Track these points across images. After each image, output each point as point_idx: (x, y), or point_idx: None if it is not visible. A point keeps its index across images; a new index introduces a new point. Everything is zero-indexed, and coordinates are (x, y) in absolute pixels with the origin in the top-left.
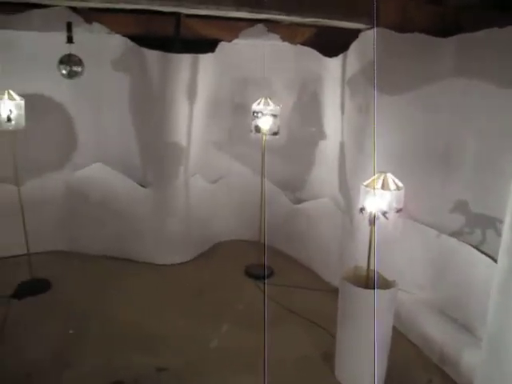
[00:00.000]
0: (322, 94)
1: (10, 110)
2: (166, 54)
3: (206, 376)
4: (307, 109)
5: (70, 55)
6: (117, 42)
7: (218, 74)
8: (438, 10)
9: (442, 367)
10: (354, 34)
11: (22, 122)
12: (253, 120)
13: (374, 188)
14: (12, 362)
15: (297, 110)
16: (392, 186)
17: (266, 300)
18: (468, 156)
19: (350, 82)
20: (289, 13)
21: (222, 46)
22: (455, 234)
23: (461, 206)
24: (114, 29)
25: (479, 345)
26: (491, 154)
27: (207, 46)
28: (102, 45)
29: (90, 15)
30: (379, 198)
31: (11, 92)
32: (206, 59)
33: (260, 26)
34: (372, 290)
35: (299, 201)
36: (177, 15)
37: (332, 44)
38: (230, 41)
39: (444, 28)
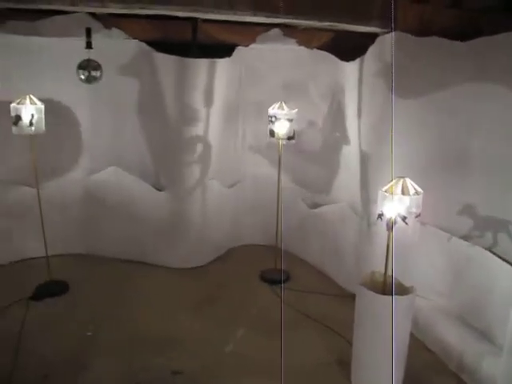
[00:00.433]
0: (342, 98)
1: (32, 115)
2: (183, 58)
3: (222, 380)
4: (326, 113)
5: (88, 60)
6: (134, 48)
7: (235, 78)
8: (457, 14)
9: (460, 375)
10: (371, 38)
11: (42, 126)
12: (269, 124)
13: (394, 193)
14: (30, 363)
15: (316, 114)
16: (411, 191)
17: (281, 305)
18: (484, 160)
19: (367, 86)
20: (305, 17)
21: (239, 51)
22: (469, 238)
23: (476, 210)
24: (132, 34)
25: (499, 353)
26: (507, 159)
27: (224, 50)
28: (119, 50)
29: (109, 21)
30: (399, 203)
31: (32, 97)
32: (223, 64)
33: (276, 30)
34: (389, 296)
35: (316, 205)
36: (194, 20)
37: (349, 48)
38: (246, 45)
39: (462, 31)
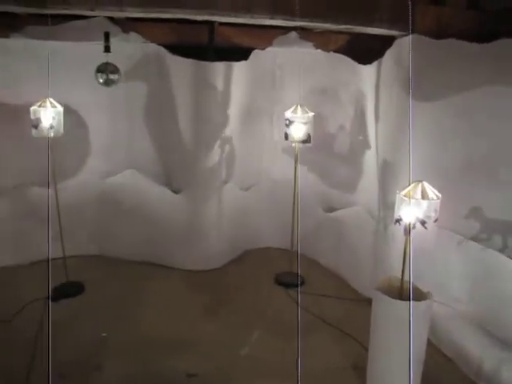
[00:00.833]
0: (363, 101)
1: (53, 118)
2: (199, 62)
3: (236, 383)
4: (352, 117)
5: (107, 64)
6: (151, 51)
7: (252, 81)
8: (475, 16)
9: (478, 383)
10: (388, 41)
11: (61, 129)
12: (285, 127)
13: (413, 197)
14: (46, 362)
15: (331, 117)
16: (431, 195)
17: (297, 308)
18: (503, 164)
19: (385, 89)
20: (323, 20)
21: (256, 54)
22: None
23: (495, 215)
24: (150, 38)
25: None
26: None
27: (240, 54)
28: (136, 54)
29: (127, 25)
30: (418, 207)
31: (52, 100)
32: (239, 67)
33: (293, 33)
34: (406, 302)
35: (331, 209)
36: (211, 24)
37: (365, 51)
38: (263, 49)
39: (481, 34)
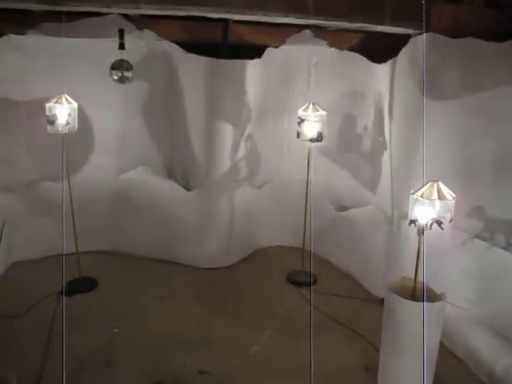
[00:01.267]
0: (380, 101)
1: (69, 114)
2: (213, 59)
3: (247, 381)
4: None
5: (121, 61)
6: (164, 48)
7: (266, 79)
8: (492, 14)
9: None
10: (403, 40)
11: (76, 125)
12: (298, 126)
13: (430, 197)
14: (60, 356)
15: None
16: (447, 196)
17: (308, 307)
18: None
19: (400, 88)
20: (337, 18)
21: (269, 52)
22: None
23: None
24: (164, 35)
25: None
26: None
27: (254, 52)
28: (150, 51)
29: (142, 22)
30: (435, 207)
31: (67, 96)
32: (253, 65)
33: (307, 31)
34: (419, 303)
35: (343, 208)
36: (225, 21)
37: (380, 50)
38: (276, 47)
39: (499, 32)
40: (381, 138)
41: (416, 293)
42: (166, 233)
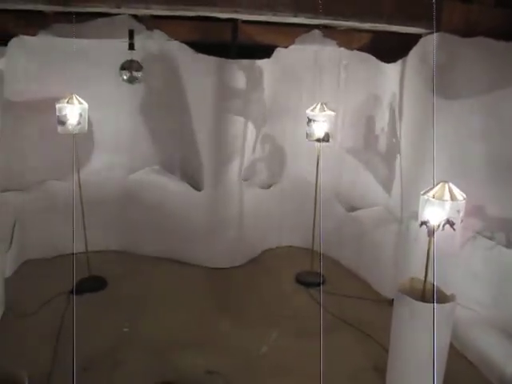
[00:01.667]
0: (392, 102)
1: (80, 114)
2: (223, 59)
3: (256, 381)
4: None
5: (131, 61)
6: (174, 48)
7: (274, 79)
8: (504, 13)
9: None
10: (413, 39)
11: (86, 125)
12: (307, 126)
13: (441, 199)
14: (71, 355)
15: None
16: (459, 196)
17: (317, 308)
18: None
19: (410, 88)
20: (347, 18)
21: (279, 52)
22: None
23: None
24: (174, 35)
25: None
26: None
27: (263, 51)
28: (160, 52)
29: (151, 22)
30: (446, 208)
31: (77, 97)
32: (263, 65)
33: (316, 31)
34: (429, 304)
35: (353, 208)
36: (234, 21)
37: (390, 49)
38: (286, 47)
39: (510, 31)
40: (394, 140)
41: (425, 294)
42: (176, 232)
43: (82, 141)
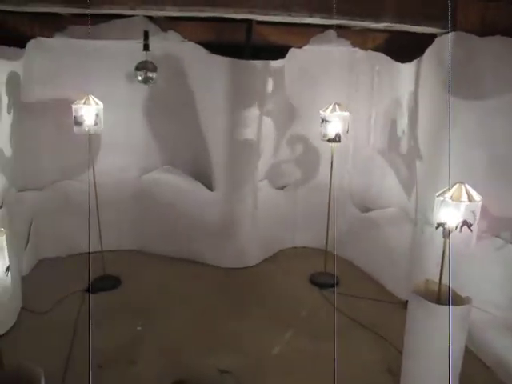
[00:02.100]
0: (410, 103)
1: (96, 115)
2: (237, 60)
3: (269, 381)
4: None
5: (146, 62)
6: (189, 49)
7: (289, 80)
8: None
9: None
10: (428, 39)
11: (102, 126)
12: (321, 127)
13: (460, 199)
14: (85, 353)
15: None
16: (476, 197)
17: (331, 309)
18: None
19: (426, 88)
20: (363, 18)
21: (293, 53)
22: None
23: None
24: (188, 36)
25: None
26: None
27: (277, 52)
28: (175, 52)
29: (166, 24)
30: (462, 209)
31: (93, 97)
32: (277, 65)
33: (330, 31)
34: (444, 306)
35: (367, 209)
36: (248, 22)
37: (405, 49)
38: (300, 47)
39: None
40: (412, 142)
41: (440, 296)
42: (190, 232)
43: (96, 141)
